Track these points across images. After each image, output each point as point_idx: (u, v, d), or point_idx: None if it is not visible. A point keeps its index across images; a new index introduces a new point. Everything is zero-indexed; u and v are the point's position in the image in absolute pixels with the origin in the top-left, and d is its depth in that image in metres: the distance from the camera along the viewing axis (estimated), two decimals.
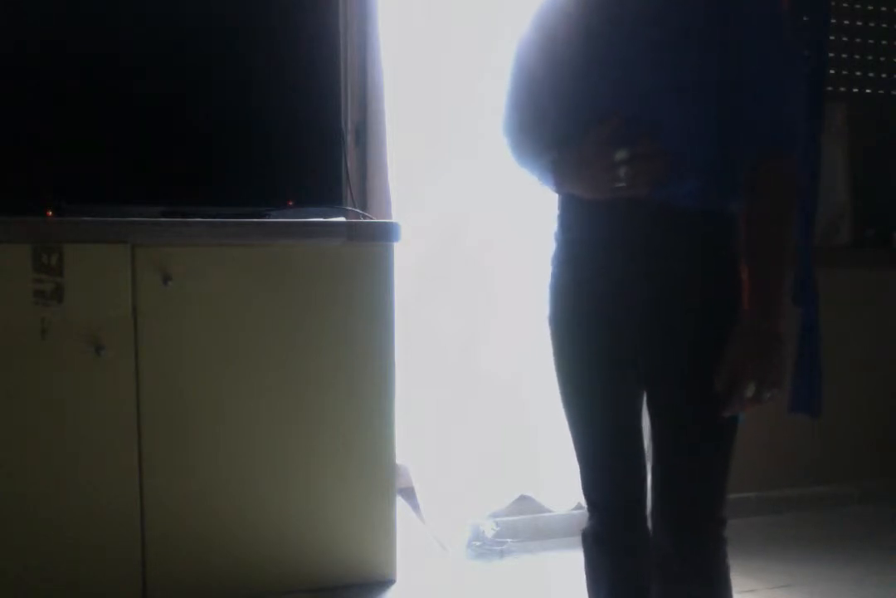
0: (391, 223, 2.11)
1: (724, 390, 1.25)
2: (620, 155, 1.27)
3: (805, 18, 2.64)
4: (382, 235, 2.07)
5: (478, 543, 2.42)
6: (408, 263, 2.36)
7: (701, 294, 1.31)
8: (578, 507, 2.52)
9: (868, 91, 2.98)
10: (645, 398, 1.42)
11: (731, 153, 1.29)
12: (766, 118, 1.27)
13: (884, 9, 2.97)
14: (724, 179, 1.31)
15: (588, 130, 1.31)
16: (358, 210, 2.31)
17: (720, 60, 1.26)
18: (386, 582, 2.12)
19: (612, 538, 1.46)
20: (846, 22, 2.94)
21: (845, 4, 2.93)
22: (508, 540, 2.44)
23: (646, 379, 1.38)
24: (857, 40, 2.96)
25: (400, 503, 2.23)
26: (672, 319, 1.32)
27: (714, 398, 1.26)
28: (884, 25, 2.98)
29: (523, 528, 2.50)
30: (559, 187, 1.40)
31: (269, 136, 2.13)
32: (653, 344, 1.34)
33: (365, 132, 2.53)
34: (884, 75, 2.99)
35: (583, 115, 1.33)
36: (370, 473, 2.10)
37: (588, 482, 1.49)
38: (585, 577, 1.53)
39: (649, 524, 1.45)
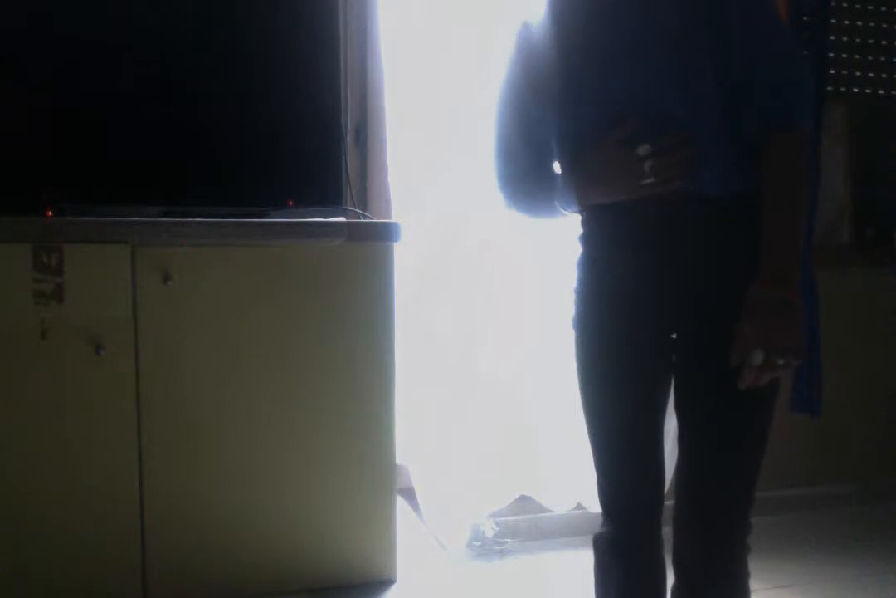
0: (391, 223, 2.11)
1: (737, 363, 1.21)
2: (644, 150, 1.25)
3: (805, 18, 2.64)
4: (382, 235, 2.07)
5: (478, 543, 2.42)
6: (408, 263, 2.36)
7: (745, 286, 1.26)
8: (578, 507, 2.52)
9: (868, 91, 2.98)
10: (674, 402, 1.39)
11: (746, 131, 1.28)
12: (770, 92, 1.25)
13: (884, 9, 2.97)
14: (748, 159, 1.28)
15: (603, 132, 1.30)
16: (358, 210, 2.31)
17: (725, 43, 1.25)
18: (386, 582, 2.12)
19: (626, 544, 1.43)
20: (846, 22, 2.94)
21: (845, 4, 2.93)
22: (508, 540, 2.44)
23: (681, 379, 1.35)
24: (857, 40, 2.96)
25: (400, 503, 2.23)
26: (713, 314, 1.29)
27: (749, 398, 1.24)
28: (884, 25, 2.98)
29: (523, 528, 2.50)
30: (582, 200, 1.37)
31: (270, 135, 2.13)
32: (696, 341, 1.31)
33: (365, 132, 2.53)
34: (884, 75, 2.99)
35: (596, 116, 1.32)
36: (370, 473, 2.10)
37: (606, 490, 1.46)
38: (595, 581, 1.50)
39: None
